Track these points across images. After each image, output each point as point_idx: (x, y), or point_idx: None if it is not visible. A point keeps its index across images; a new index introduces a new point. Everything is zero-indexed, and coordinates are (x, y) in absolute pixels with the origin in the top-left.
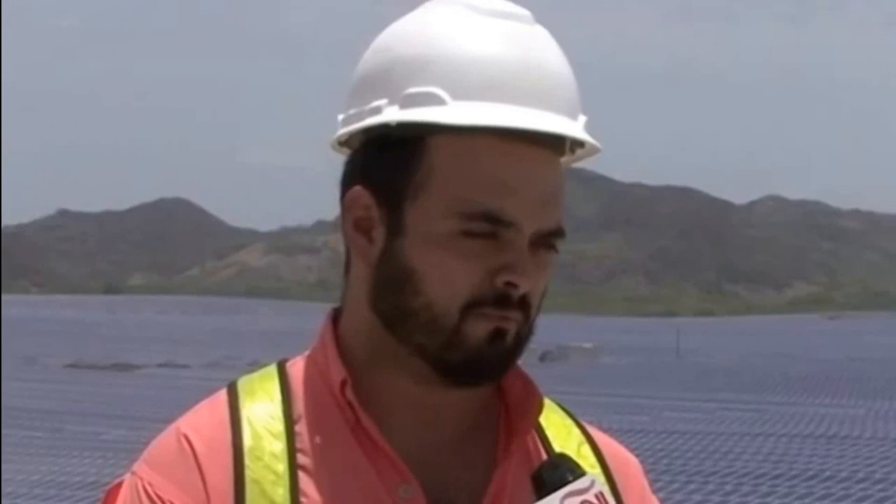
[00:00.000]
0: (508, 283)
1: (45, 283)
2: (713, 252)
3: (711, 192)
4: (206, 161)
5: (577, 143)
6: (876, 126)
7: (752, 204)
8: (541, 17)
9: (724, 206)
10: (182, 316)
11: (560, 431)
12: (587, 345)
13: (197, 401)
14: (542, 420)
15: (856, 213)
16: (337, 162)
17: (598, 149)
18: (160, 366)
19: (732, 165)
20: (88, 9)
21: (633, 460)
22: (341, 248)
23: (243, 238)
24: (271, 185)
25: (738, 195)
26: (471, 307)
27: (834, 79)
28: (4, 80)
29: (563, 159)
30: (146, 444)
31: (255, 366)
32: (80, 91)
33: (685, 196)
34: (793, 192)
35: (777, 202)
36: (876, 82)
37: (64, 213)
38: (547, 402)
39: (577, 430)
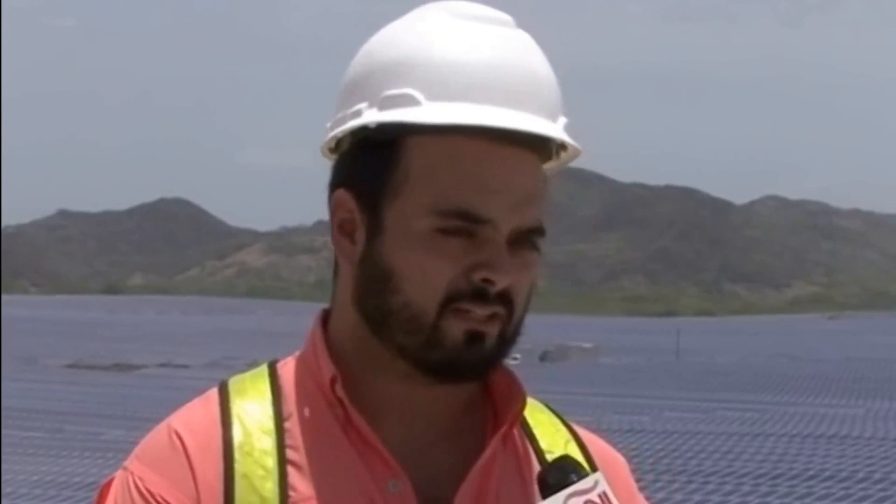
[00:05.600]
0: (485, 280)
1: (45, 283)
2: (713, 252)
3: (711, 192)
4: (206, 161)
5: (562, 147)
6: (876, 126)
7: (752, 204)
8: (540, 19)
9: (724, 206)
10: (182, 316)
11: (547, 430)
12: (587, 345)
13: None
14: (529, 419)
15: (856, 213)
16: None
17: (578, 151)
18: (160, 366)
19: (732, 165)
20: (87, 9)
21: (620, 458)
22: None
23: (243, 238)
24: (271, 185)
25: (738, 195)
26: (448, 303)
27: (834, 78)
28: (4, 80)
29: (550, 164)
30: None
31: (254, 366)
32: (80, 91)
33: (685, 196)
34: (793, 192)
35: (777, 202)
36: (876, 82)
37: (64, 213)
38: (533, 402)
39: (563, 429)
